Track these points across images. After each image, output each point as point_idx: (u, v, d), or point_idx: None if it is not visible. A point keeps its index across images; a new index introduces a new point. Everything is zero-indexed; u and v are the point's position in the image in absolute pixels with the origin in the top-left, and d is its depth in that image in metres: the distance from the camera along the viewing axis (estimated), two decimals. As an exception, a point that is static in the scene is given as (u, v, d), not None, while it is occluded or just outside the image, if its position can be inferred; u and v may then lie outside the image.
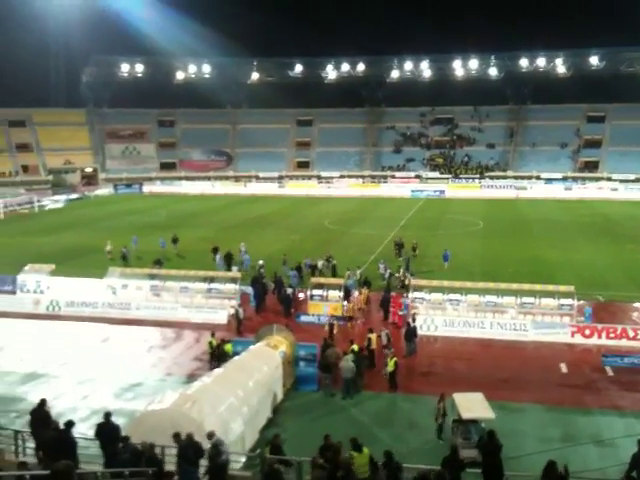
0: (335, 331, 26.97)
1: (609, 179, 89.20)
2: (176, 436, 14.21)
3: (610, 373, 23.67)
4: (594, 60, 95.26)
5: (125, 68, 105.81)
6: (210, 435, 14.56)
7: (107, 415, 15.52)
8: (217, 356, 23.26)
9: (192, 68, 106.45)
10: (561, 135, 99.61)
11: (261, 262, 37.53)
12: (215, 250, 40.77)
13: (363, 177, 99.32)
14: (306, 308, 31.10)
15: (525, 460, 16.78)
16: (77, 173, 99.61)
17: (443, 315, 29.29)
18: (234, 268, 37.52)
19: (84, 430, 17.12)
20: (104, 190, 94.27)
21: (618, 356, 24.35)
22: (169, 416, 15.88)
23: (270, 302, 32.87)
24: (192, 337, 28.46)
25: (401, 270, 35.91)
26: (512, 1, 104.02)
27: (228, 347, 23.33)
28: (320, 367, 22.28)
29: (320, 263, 37.32)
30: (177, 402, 16.54)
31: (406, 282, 33.42)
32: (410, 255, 40.40)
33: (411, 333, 25.89)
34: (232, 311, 30.38)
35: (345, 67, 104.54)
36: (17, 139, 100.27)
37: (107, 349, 27.09)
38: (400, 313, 29.69)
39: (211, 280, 33.38)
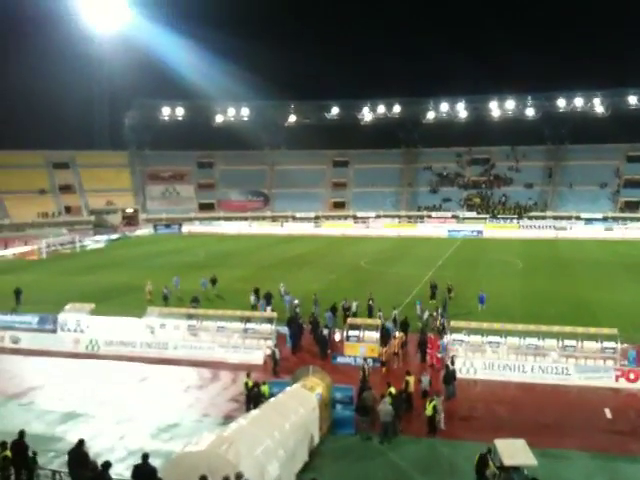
0: (367, 374, 26.30)
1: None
2: (203, 479, 14.19)
3: (657, 419, 22.86)
4: (633, 99, 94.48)
5: (166, 111, 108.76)
6: (239, 476, 14.47)
7: (145, 456, 15.53)
8: (252, 397, 23.10)
9: (231, 111, 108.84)
10: (600, 175, 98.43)
11: (297, 301, 37.61)
12: (256, 291, 40.63)
13: (399, 217, 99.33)
14: (342, 349, 30.88)
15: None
16: (118, 214, 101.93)
17: (482, 358, 28.70)
18: (268, 308, 37.46)
19: (121, 471, 17.12)
20: (144, 230, 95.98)
21: (665, 402, 23.54)
22: (205, 458, 15.80)
23: (306, 343, 32.71)
24: (229, 377, 28.41)
25: (439, 310, 35.50)
26: (548, 41, 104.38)
27: (265, 388, 23.19)
28: (357, 410, 21.98)
29: (354, 305, 36.79)
30: (214, 444, 16.44)
31: (438, 324, 33.23)
32: (445, 297, 39.72)
33: (450, 376, 25.42)
34: (268, 351, 30.32)
35: (381, 109, 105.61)
36: (61, 180, 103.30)
37: (144, 389, 27.20)
38: (438, 355, 29.24)
39: (247, 320, 33.44)
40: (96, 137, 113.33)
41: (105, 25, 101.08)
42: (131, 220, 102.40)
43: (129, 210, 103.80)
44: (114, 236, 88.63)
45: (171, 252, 71.52)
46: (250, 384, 24.09)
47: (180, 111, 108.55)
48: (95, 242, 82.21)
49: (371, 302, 37.07)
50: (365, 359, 27.73)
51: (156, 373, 29.18)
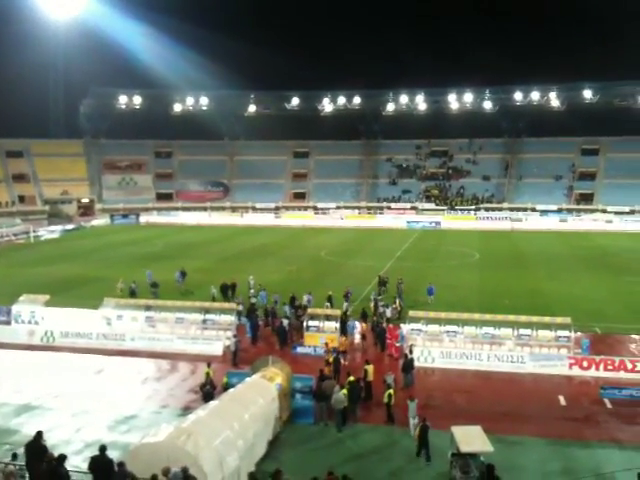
0: (336, 364, 26.28)
1: (604, 211, 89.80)
2: (165, 472, 14.10)
3: (609, 405, 23.50)
4: (588, 94, 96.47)
5: (123, 100, 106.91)
6: (184, 470, 14.44)
7: (102, 448, 15.34)
8: (205, 394, 22.74)
9: (190, 100, 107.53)
10: (556, 168, 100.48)
11: (252, 291, 37.97)
12: (233, 286, 39.86)
13: (359, 208, 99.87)
14: (302, 339, 30.95)
15: (525, 495, 16.58)
16: (74, 204, 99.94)
17: (440, 347, 29.11)
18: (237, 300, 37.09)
19: (78, 463, 16.90)
20: (100, 221, 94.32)
21: (616, 388, 24.20)
22: (164, 449, 15.69)
23: (267, 334, 32.69)
24: (187, 369, 28.20)
25: (397, 301, 35.83)
26: (506, 35, 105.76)
27: (224, 380, 23.12)
28: (315, 396, 22.11)
29: (306, 298, 35.93)
30: (172, 435, 16.33)
31: (396, 311, 34.01)
32: (400, 289, 39.30)
33: (408, 365, 25.74)
34: (228, 342, 30.21)
35: (341, 100, 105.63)
36: (14, 169, 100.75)
37: (101, 381, 26.82)
38: (397, 344, 29.54)
39: (206, 311, 33.22)
40: (51, 125, 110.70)
41: (61, 10, 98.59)
42: (87, 210, 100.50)
43: (85, 200, 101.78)
44: (69, 226, 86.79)
45: (128, 243, 70.50)
46: (211, 374, 23.99)
47: (138, 99, 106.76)
48: (50, 232, 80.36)
49: (331, 293, 37.08)
50: (335, 350, 27.68)
51: (113, 365, 28.78)
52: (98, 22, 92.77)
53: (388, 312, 33.99)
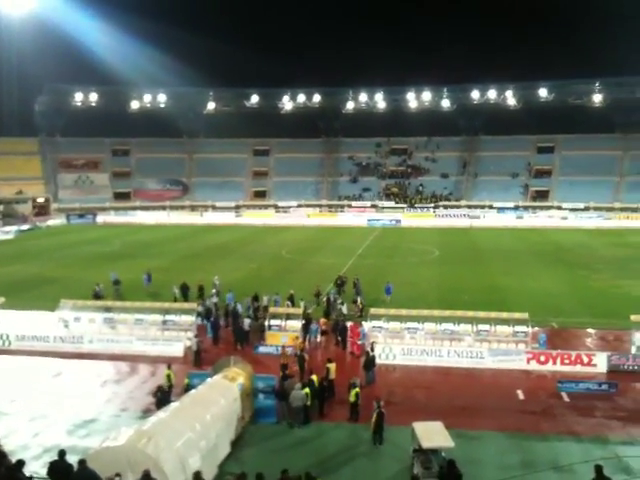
0: (300, 362, 26.33)
1: (559, 208, 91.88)
2: (117, 475, 14.00)
3: (566, 399, 24.02)
4: (543, 92, 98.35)
5: (79, 97, 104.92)
6: (145, 474, 14.33)
7: (61, 453, 15.08)
8: (158, 401, 22.04)
9: (147, 97, 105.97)
10: (512, 165, 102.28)
11: (214, 291, 37.67)
12: (200, 289, 38.87)
13: (320, 206, 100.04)
14: (263, 341, 30.86)
15: (485, 488, 16.85)
16: (29, 203, 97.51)
17: (401, 344, 29.37)
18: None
19: (36, 468, 16.57)
20: (56, 220, 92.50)
21: (573, 382, 24.76)
22: (124, 453, 15.48)
23: (229, 334, 32.47)
24: (147, 371, 27.84)
25: (358, 299, 35.93)
26: (463, 34, 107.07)
27: (185, 381, 22.92)
28: (276, 395, 22.12)
29: (265, 299, 35.61)
30: (132, 438, 16.11)
31: (358, 309, 34.28)
32: (359, 288, 38.94)
33: (370, 362, 25.89)
34: (188, 343, 29.95)
35: (301, 98, 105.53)
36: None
37: (59, 384, 26.30)
38: (358, 342, 29.68)
39: (166, 312, 32.83)
40: (5, 123, 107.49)
41: (14, 5, 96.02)
42: (42, 210, 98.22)
43: (40, 199, 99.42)
44: (24, 226, 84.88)
45: (85, 243, 69.27)
46: (172, 376, 23.75)
47: (94, 97, 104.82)
48: (4, 233, 78.47)
49: (293, 292, 36.99)
50: (301, 350, 27.67)
51: (71, 368, 28.24)
52: (53, 17, 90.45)
53: (344, 309, 34.22)
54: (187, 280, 40.09)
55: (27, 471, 14.91)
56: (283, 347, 27.68)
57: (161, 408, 19.81)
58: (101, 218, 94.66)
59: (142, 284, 42.79)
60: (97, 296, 37.64)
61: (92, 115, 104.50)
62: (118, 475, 14.36)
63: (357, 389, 22.20)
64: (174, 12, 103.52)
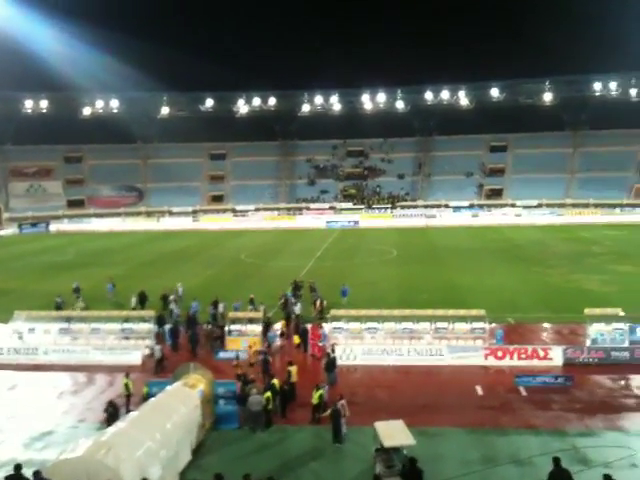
0: (264, 365, 26.32)
1: (513, 205, 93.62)
2: None
3: (524, 393, 24.48)
4: (495, 92, 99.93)
5: (29, 104, 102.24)
6: None
7: (17, 467, 14.77)
8: (109, 416, 21.18)
9: (99, 103, 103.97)
10: (466, 165, 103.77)
11: (172, 297, 37.12)
12: (164, 297, 37.91)
13: (278, 209, 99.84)
14: (224, 344, 30.65)
15: (447, 484, 17.04)
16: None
17: (362, 344, 29.52)
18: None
19: (-10, 485, 16.09)
20: (7, 230, 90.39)
21: (530, 376, 25.26)
22: (83, 464, 15.24)
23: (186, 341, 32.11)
24: (105, 380, 27.36)
25: (317, 301, 35.87)
26: (416, 36, 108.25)
27: (144, 389, 22.58)
28: (237, 400, 22.01)
29: (221, 306, 34.95)
30: (91, 449, 15.85)
31: (317, 311, 34.54)
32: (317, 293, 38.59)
33: (331, 364, 25.93)
34: (147, 351, 29.56)
35: (256, 101, 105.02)
36: None
37: (14, 397, 25.68)
38: (319, 344, 29.71)
39: (124, 320, 32.31)
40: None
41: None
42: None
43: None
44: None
45: (39, 252, 67.76)
46: (130, 384, 23.39)
47: (44, 103, 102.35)
48: (-47, 244, 76.30)
49: (253, 296, 36.83)
50: (262, 352, 27.71)
51: (26, 380, 27.60)
52: (1, 23, 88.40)
53: (296, 309, 34.69)
54: (145, 288, 39.39)
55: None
56: (237, 358, 27.34)
57: (111, 424, 19.17)
58: (54, 227, 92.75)
59: (103, 293, 41.84)
60: (59, 307, 36.73)
61: (43, 122, 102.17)
62: None
63: (321, 391, 22.22)
64: (124, 18, 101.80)
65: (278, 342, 30.94)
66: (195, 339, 30.85)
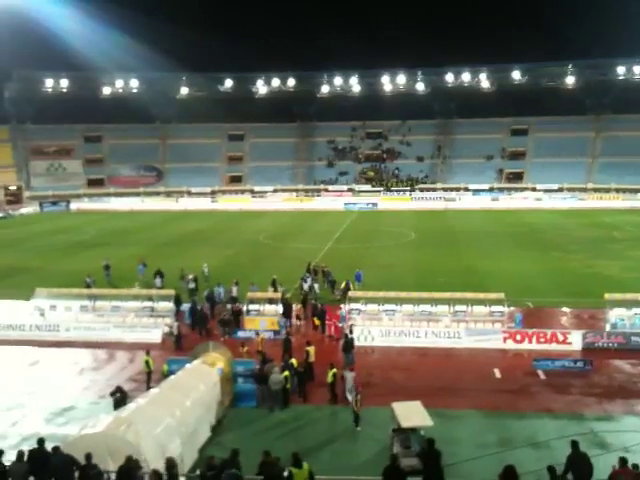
0: (286, 344, 26.30)
1: (533, 189, 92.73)
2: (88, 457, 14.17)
3: (542, 377, 24.40)
4: (516, 75, 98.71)
5: (50, 83, 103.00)
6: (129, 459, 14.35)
7: (40, 441, 15.00)
8: (116, 402, 21.01)
9: (119, 83, 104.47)
10: (487, 148, 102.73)
11: (191, 276, 37.25)
12: (183, 277, 37.97)
13: (296, 191, 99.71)
14: (243, 323, 30.83)
15: (464, 466, 17.08)
16: (0, 191, 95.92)
17: (379, 326, 29.56)
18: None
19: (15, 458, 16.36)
20: (29, 209, 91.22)
21: (549, 360, 25.17)
22: (103, 440, 15.41)
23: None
24: (126, 358, 27.70)
25: (344, 282, 35.67)
26: (437, 17, 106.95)
27: (164, 367, 22.82)
28: (255, 379, 22.18)
29: (235, 289, 34.55)
30: (111, 425, 16.05)
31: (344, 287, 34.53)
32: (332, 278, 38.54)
33: (349, 345, 26.00)
34: (167, 329, 29.85)
35: (275, 82, 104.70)
36: None
37: (36, 373, 26.07)
38: (338, 325, 29.78)
39: (148, 299, 32.57)
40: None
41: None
42: (15, 198, 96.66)
43: (12, 187, 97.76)
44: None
45: (59, 231, 68.40)
46: (151, 362, 23.63)
47: (65, 83, 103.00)
48: (-25, 222, 77.25)
49: (275, 277, 36.83)
50: (287, 333, 27.96)
51: (48, 356, 28.02)
52: (21, 3, 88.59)
53: (316, 287, 35.61)
54: (164, 267, 39.65)
55: (6, 460, 14.79)
56: (242, 344, 26.94)
57: (118, 409, 19.12)
58: (75, 205, 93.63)
59: (124, 272, 41.89)
60: (88, 287, 36.30)
61: (63, 101, 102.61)
62: (89, 455, 14.30)
63: (335, 369, 22.31)
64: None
65: (296, 321, 31.10)
66: (201, 319, 30.97)
